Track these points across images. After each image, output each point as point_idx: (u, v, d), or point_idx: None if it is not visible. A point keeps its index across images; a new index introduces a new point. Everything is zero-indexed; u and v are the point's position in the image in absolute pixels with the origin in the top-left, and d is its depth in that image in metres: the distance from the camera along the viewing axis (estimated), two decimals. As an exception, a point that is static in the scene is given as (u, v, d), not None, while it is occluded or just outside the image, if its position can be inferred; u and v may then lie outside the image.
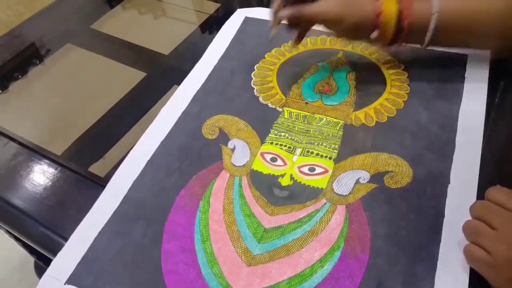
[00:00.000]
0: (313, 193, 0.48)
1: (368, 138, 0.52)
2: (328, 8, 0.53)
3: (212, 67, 0.64)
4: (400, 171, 0.48)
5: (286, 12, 0.54)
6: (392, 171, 0.49)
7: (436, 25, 0.52)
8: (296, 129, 0.54)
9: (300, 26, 0.58)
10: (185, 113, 0.58)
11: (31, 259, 0.83)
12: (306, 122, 0.55)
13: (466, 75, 0.57)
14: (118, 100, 0.63)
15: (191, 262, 0.44)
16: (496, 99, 0.55)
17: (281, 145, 0.53)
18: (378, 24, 0.52)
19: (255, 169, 0.51)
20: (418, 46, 0.55)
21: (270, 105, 0.58)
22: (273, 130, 0.54)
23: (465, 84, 0.56)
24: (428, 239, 0.43)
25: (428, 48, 0.55)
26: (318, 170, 0.50)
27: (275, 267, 0.42)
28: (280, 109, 0.57)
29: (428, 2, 0.52)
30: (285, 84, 0.60)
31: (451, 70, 0.58)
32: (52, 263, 0.45)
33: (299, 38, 0.59)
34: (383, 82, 0.58)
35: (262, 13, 0.72)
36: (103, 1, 0.84)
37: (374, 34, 0.53)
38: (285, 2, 0.55)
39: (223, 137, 0.54)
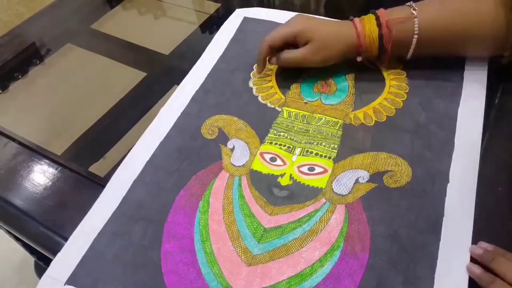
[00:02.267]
0: (312, 193, 0.48)
1: (367, 137, 0.52)
2: (308, 56, 0.56)
3: (211, 67, 0.64)
4: (399, 171, 0.48)
5: (273, 61, 0.59)
6: (391, 171, 0.49)
7: (417, 44, 0.54)
8: (295, 128, 0.54)
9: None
10: (184, 113, 0.58)
11: (31, 259, 0.83)
12: (305, 121, 0.55)
13: (464, 74, 0.57)
14: (118, 100, 0.63)
15: (191, 262, 0.44)
16: (496, 99, 0.56)
17: (280, 144, 0.53)
18: (361, 52, 0.56)
19: (254, 169, 0.51)
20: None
21: (269, 104, 0.58)
22: (272, 130, 0.54)
23: (463, 83, 0.56)
24: (428, 238, 0.43)
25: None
26: (317, 169, 0.50)
27: (275, 266, 0.43)
28: (279, 109, 0.57)
29: (407, 23, 0.53)
30: (284, 83, 0.60)
31: (449, 69, 0.58)
32: (52, 264, 0.45)
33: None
34: (382, 81, 0.59)
35: (261, 13, 0.72)
36: (103, 1, 0.84)
37: (359, 59, 0.57)
38: (267, 57, 0.59)
39: (222, 137, 0.54)
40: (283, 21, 0.59)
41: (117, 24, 0.77)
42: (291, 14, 0.70)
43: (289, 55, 0.57)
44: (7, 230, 0.57)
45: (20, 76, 0.69)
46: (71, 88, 0.62)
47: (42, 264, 0.79)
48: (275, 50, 0.58)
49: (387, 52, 0.55)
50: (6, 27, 0.77)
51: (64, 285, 0.43)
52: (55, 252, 0.46)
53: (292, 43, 0.57)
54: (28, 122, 0.60)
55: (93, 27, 0.77)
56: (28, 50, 0.74)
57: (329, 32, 0.56)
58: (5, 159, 0.55)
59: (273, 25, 0.69)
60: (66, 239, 0.46)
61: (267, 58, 0.59)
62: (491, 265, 0.40)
